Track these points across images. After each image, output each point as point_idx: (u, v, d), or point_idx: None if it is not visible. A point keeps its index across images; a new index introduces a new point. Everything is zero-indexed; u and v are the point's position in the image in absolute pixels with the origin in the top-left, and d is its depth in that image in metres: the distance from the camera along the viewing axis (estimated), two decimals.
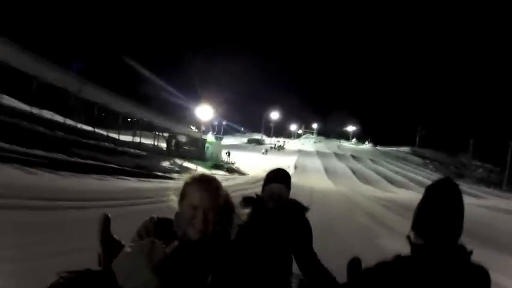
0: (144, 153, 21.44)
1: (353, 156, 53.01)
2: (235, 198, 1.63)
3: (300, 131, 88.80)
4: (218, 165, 29.31)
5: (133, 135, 24.98)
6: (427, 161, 55.08)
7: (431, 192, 1.47)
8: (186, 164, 24.17)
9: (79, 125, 19.33)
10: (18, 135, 11.42)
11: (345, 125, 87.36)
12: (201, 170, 22.52)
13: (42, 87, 16.87)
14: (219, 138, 38.74)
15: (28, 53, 15.68)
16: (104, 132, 20.54)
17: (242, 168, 31.42)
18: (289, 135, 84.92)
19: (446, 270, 1.35)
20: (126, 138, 23.20)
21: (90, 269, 1.26)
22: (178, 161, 24.02)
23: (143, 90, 38.27)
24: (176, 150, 29.19)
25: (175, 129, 31.48)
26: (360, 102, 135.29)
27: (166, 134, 30.60)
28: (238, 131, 75.34)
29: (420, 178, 36.73)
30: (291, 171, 30.36)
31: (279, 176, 2.35)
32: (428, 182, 1.59)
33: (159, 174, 16.49)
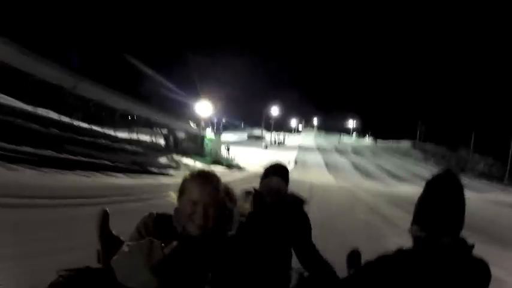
0: (141, 149, 21.21)
1: (354, 151, 52.86)
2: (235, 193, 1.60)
3: (300, 126, 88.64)
4: (217, 161, 29.18)
5: (131, 131, 24.74)
6: (428, 155, 54.92)
7: (432, 184, 1.47)
8: (185, 160, 24.03)
9: (75, 122, 19.07)
10: (10, 132, 11.21)
11: (346, 119, 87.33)
12: (199, 166, 22.59)
13: (37, 85, 16.65)
14: (218, 134, 38.50)
15: (22, 49, 15.42)
16: (101, 129, 20.30)
17: (242, 164, 31.31)
18: (290, 130, 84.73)
19: (447, 263, 1.34)
20: (123, 134, 22.99)
21: (89, 266, 1.26)
22: (177, 157, 23.86)
23: (141, 85, 37.89)
24: (174, 147, 29.00)
25: (174, 125, 31.27)
26: (360, 97, 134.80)
27: (164, 131, 30.39)
28: (239, 127, 75.18)
29: (422, 172, 36.49)
30: (291, 166, 30.20)
31: (276, 170, 2.36)
32: (431, 177, 1.55)
33: (154, 170, 16.22)
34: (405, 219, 1.68)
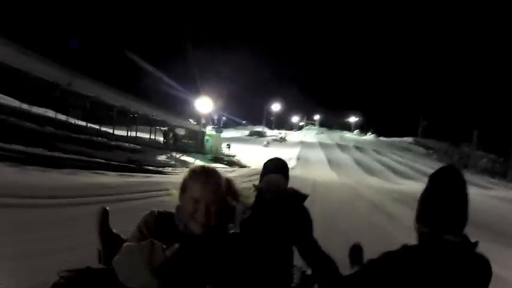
0: (139, 147, 20.90)
1: (356, 147, 52.53)
2: None
3: (302, 123, 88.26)
4: (218, 158, 28.93)
5: (129, 129, 24.42)
6: (431, 151, 54.57)
7: (435, 180, 1.46)
8: (184, 157, 23.75)
9: (71, 120, 18.77)
10: (2, 131, 10.99)
11: (347, 116, 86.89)
12: (199, 163, 22.18)
13: (33, 82, 16.39)
14: (218, 131, 38.11)
15: (15, 45, 15.19)
16: (97, 127, 19.99)
17: (243, 161, 31.03)
18: (291, 127, 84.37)
19: (451, 260, 1.34)
20: (121, 132, 22.67)
21: (90, 266, 1.24)
22: (176, 155, 23.57)
23: (140, 82, 37.58)
24: (174, 144, 28.70)
25: (174, 122, 31.00)
26: (362, 94, 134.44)
27: (164, 127, 30.09)
28: (240, 124, 74.97)
29: (425, 168, 36.13)
30: (293, 163, 29.88)
31: (276, 166, 2.33)
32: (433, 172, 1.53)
33: (150, 168, 15.82)
34: (412, 217, 1.56)
